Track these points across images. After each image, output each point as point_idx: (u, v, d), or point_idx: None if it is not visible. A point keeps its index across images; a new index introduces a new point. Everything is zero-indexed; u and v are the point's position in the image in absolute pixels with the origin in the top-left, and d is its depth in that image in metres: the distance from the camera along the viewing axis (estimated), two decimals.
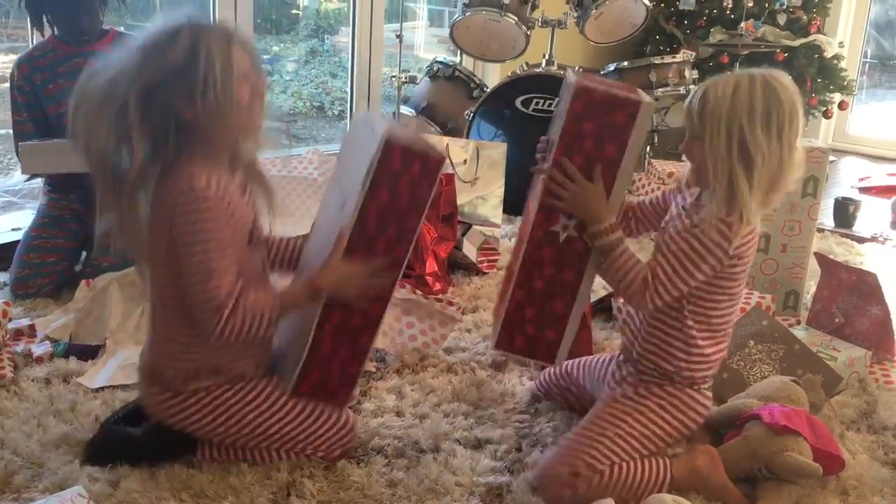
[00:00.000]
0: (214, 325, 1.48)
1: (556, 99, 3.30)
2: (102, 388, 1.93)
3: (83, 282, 2.38)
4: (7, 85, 2.66)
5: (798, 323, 2.46)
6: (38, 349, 2.09)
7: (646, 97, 1.56)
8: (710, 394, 1.69)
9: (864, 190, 4.35)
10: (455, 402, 1.96)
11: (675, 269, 1.53)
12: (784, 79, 1.52)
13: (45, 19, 2.56)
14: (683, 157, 1.60)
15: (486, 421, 1.89)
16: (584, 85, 1.54)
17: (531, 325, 1.66)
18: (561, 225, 1.60)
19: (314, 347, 1.60)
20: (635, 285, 1.55)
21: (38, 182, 3.22)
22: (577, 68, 3.56)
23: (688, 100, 1.56)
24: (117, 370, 1.99)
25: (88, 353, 2.10)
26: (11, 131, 2.65)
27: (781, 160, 1.49)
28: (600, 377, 1.80)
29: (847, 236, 3.52)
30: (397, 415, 1.90)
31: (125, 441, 1.66)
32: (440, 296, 2.46)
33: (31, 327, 2.21)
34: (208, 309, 1.48)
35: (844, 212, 3.67)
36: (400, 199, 1.54)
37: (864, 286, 2.28)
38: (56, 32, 2.60)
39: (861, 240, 3.49)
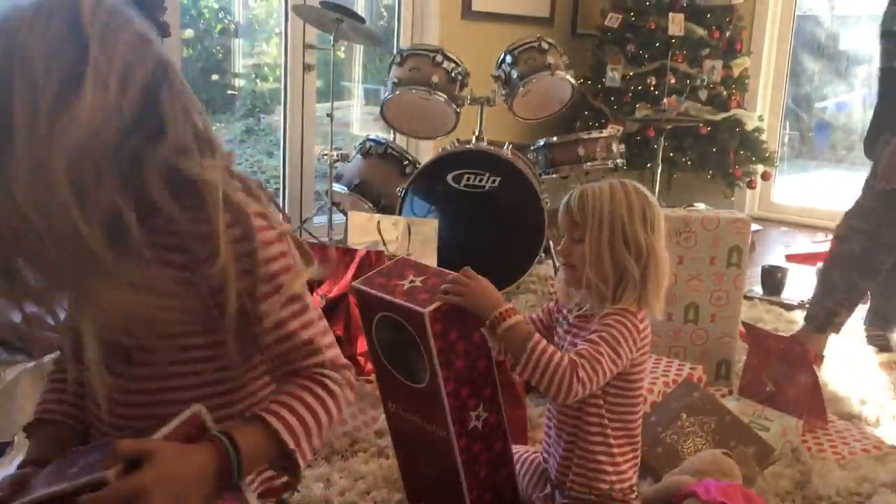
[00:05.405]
0: None
1: (487, 174, 3.36)
2: None
3: None
4: None
5: (730, 393, 2.46)
6: None
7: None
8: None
9: (790, 257, 4.46)
10: (385, 488, 1.89)
11: (600, 352, 1.52)
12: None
13: None
14: (561, 260, 1.65)
15: None
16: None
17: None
18: (474, 416, 1.63)
19: None
20: (562, 372, 1.48)
21: None
22: (506, 145, 3.61)
23: (563, 203, 1.63)
24: None
25: None
26: None
27: (657, 255, 1.58)
28: (528, 487, 1.76)
29: (776, 303, 3.58)
30: None
31: None
32: (371, 376, 2.39)
33: None
34: None
35: (772, 279, 3.74)
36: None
37: (793, 354, 2.30)
38: None
39: (789, 307, 3.55)
